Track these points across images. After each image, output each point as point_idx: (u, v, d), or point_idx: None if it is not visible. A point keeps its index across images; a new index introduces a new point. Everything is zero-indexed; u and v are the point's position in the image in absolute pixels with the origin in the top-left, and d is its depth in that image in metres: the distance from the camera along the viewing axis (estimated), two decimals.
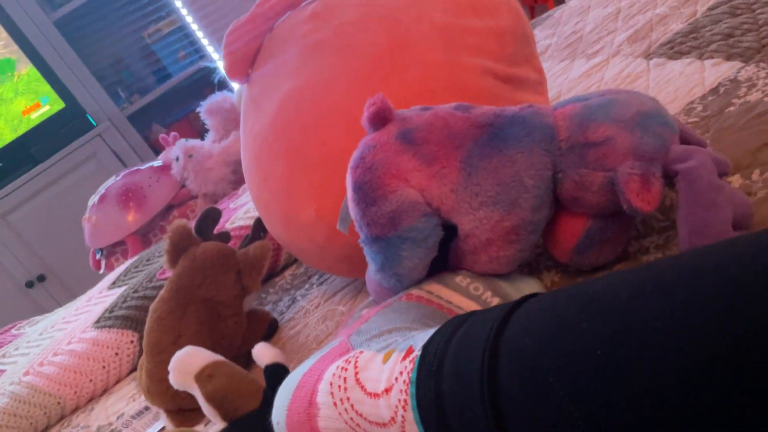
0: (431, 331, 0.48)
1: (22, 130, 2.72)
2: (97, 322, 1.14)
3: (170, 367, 0.71)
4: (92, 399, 1.13)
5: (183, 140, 1.66)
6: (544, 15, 1.67)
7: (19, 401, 1.09)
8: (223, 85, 2.39)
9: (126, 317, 1.12)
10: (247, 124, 0.90)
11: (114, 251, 1.68)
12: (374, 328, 0.56)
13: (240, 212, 1.19)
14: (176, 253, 0.91)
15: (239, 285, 0.90)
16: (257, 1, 0.92)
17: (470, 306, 0.62)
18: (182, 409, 0.82)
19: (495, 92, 0.78)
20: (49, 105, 2.74)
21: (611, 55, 1.12)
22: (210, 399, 0.67)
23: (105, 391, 1.13)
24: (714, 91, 0.80)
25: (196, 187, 1.63)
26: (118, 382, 1.13)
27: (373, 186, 0.60)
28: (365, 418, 0.47)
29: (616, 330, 0.34)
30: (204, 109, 1.72)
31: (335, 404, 0.49)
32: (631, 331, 0.33)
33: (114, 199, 1.65)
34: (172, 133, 1.78)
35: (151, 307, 0.89)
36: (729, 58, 0.85)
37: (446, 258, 0.65)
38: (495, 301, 0.62)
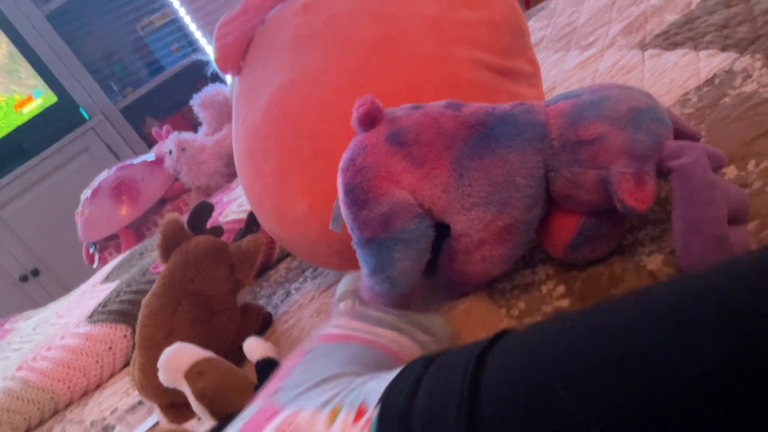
0: (381, 381, 0.41)
1: (14, 125, 2.70)
2: (91, 316, 1.14)
3: (159, 364, 0.71)
4: (86, 394, 1.12)
5: (176, 133, 1.64)
6: (539, 5, 1.66)
7: (13, 396, 1.09)
8: (216, 78, 2.37)
9: (119, 312, 1.12)
10: (239, 118, 0.89)
11: (107, 245, 1.67)
12: (302, 381, 0.48)
13: (233, 206, 1.18)
14: (168, 247, 0.90)
15: (232, 279, 0.89)
16: None
17: (396, 338, 0.58)
18: (175, 404, 0.82)
19: (488, 85, 0.77)
20: (42, 99, 2.72)
21: (606, 47, 1.12)
22: (200, 397, 0.66)
23: (98, 385, 1.12)
24: (709, 82, 0.80)
25: (190, 180, 1.62)
26: (111, 376, 1.13)
27: (364, 189, 0.60)
28: None
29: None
30: (197, 102, 1.71)
31: None
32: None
33: (107, 192, 1.64)
34: (165, 127, 1.77)
35: (143, 302, 0.88)
36: (724, 49, 0.84)
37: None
38: (418, 332, 0.60)
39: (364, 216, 0.60)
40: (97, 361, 1.09)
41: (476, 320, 0.66)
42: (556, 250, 0.62)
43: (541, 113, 0.59)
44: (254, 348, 0.75)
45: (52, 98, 2.70)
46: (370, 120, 0.62)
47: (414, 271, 0.62)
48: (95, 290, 1.27)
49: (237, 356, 0.84)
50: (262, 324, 0.94)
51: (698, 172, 0.51)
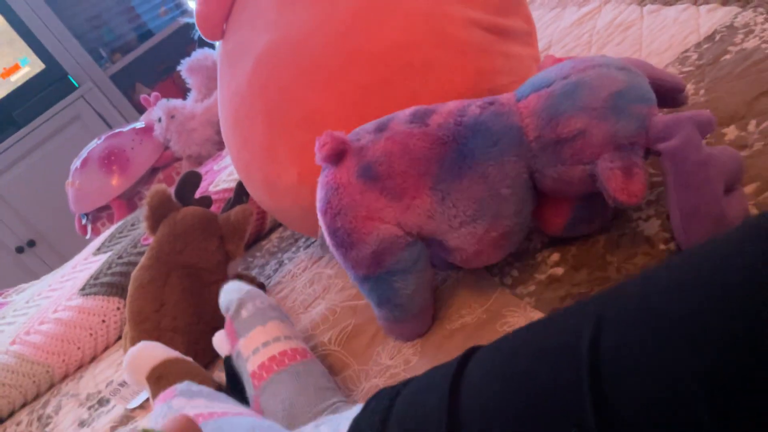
0: (337, 428, 0.38)
1: (1, 94, 2.65)
2: (83, 289, 1.13)
3: (123, 366, 0.69)
4: (81, 367, 1.12)
5: (164, 100, 1.61)
6: None
7: (8, 370, 1.08)
8: (204, 42, 2.32)
9: (111, 284, 1.11)
10: (223, 83, 0.87)
11: (99, 216, 1.65)
12: None
13: (223, 174, 1.16)
14: (156, 219, 0.88)
15: (222, 251, 0.88)
16: None
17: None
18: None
19: (482, 44, 0.74)
20: (29, 67, 2.66)
21: (603, 2, 1.08)
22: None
23: (93, 358, 1.12)
24: (709, 38, 0.77)
25: (180, 148, 1.59)
26: (106, 349, 1.12)
27: (347, 231, 0.58)
28: None
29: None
30: (185, 67, 1.67)
31: None
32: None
33: (96, 162, 1.61)
34: (154, 93, 1.73)
35: (133, 275, 0.87)
36: (725, 3, 0.81)
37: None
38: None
39: (353, 256, 0.58)
40: (91, 334, 1.09)
41: (469, 289, 0.65)
42: (552, 232, 0.61)
43: (513, 114, 0.55)
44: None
45: (40, 66, 2.65)
46: (337, 156, 0.59)
47: (421, 291, 0.61)
48: (87, 262, 1.25)
49: None
50: None
51: (690, 155, 0.49)
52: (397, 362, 0.62)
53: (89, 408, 0.97)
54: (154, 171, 1.66)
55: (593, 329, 0.30)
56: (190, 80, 1.69)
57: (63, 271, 1.35)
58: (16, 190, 2.66)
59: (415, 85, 0.71)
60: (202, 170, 1.39)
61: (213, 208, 0.96)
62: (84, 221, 1.69)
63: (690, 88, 0.70)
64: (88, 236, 1.69)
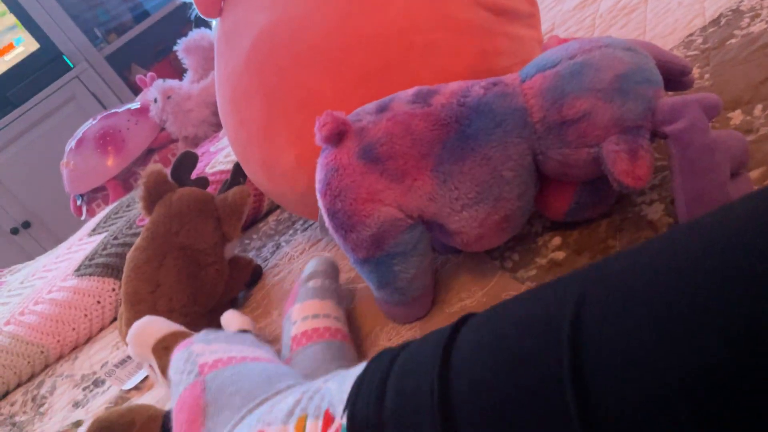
0: (342, 381, 0.40)
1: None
2: (78, 270, 1.12)
3: (128, 338, 0.69)
4: (76, 347, 1.11)
5: (160, 81, 1.59)
6: None
7: (2, 351, 1.08)
8: (200, 22, 2.29)
9: (106, 265, 1.10)
10: (221, 63, 0.85)
11: (95, 197, 1.64)
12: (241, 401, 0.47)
13: (220, 156, 1.15)
14: (151, 199, 0.87)
15: (219, 232, 0.87)
16: None
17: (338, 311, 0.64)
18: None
19: (484, 26, 0.73)
20: (23, 46, 2.63)
21: None
22: (166, 372, 0.64)
23: (88, 339, 1.11)
24: (715, 22, 0.76)
25: (176, 129, 1.58)
26: (101, 330, 1.11)
27: (347, 213, 0.57)
28: None
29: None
30: (181, 47, 1.65)
31: None
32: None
33: (92, 143, 1.59)
34: (149, 74, 1.71)
35: (128, 256, 0.86)
36: None
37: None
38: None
39: (353, 238, 0.58)
40: (86, 315, 1.08)
41: (470, 272, 0.64)
42: (554, 216, 0.60)
43: (517, 95, 0.54)
44: (232, 320, 0.73)
45: (35, 45, 2.62)
46: (337, 136, 0.58)
47: (421, 274, 0.60)
48: (82, 243, 1.24)
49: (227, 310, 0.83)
50: (252, 277, 0.92)
51: (696, 139, 0.48)
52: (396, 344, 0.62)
53: (84, 389, 0.97)
54: (149, 152, 1.65)
55: (575, 305, 0.30)
56: (186, 61, 1.66)
57: (58, 251, 1.34)
58: (10, 171, 2.64)
59: (416, 67, 0.70)
60: (198, 151, 1.38)
61: (210, 190, 0.95)
62: (79, 202, 1.67)
63: (695, 72, 0.69)
64: (83, 217, 1.67)
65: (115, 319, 1.11)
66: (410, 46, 0.70)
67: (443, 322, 0.60)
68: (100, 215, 1.32)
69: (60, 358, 1.11)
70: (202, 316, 0.82)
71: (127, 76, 2.80)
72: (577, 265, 0.56)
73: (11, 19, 2.58)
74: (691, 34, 0.77)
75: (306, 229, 0.99)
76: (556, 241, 0.61)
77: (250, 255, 1.02)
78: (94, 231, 1.26)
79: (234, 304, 0.91)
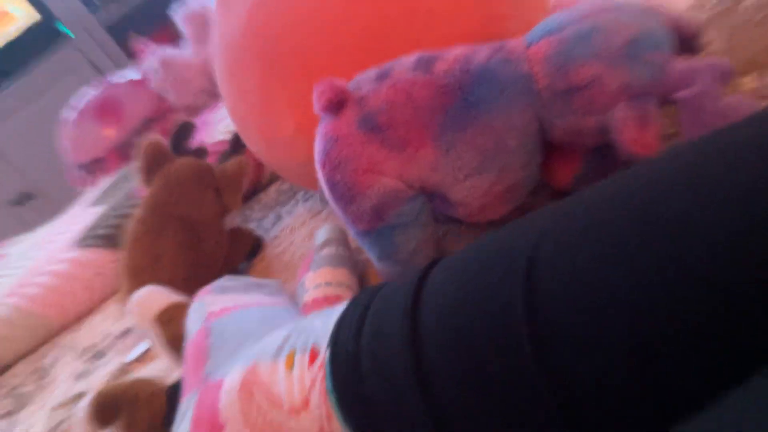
0: (327, 318, 0.43)
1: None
2: (78, 241, 1.11)
3: (129, 309, 0.69)
4: (78, 319, 1.11)
5: (159, 49, 1.56)
6: None
7: (5, 323, 1.07)
8: None
9: (107, 236, 1.09)
10: (218, 30, 0.83)
11: (95, 167, 1.62)
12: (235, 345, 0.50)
13: (220, 126, 1.13)
14: (150, 170, 0.86)
15: (219, 203, 0.86)
16: None
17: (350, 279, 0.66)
18: None
19: None
20: (22, 17, 2.59)
21: None
22: (170, 342, 0.64)
23: (90, 311, 1.11)
24: None
25: (175, 99, 1.55)
26: (103, 301, 1.11)
27: (347, 184, 0.55)
28: None
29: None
30: (179, 15, 1.62)
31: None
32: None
33: (91, 112, 1.57)
34: (148, 43, 1.68)
35: (128, 228, 0.85)
36: None
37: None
38: None
39: (353, 210, 0.56)
40: (87, 287, 1.08)
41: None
42: (559, 185, 0.58)
43: (522, 61, 0.52)
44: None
45: (35, 16, 2.58)
46: (336, 105, 0.56)
47: (422, 245, 0.58)
48: (84, 214, 1.24)
49: None
50: (253, 249, 0.91)
51: (707, 105, 0.46)
52: None
53: (86, 361, 0.97)
54: (149, 122, 1.62)
55: (534, 241, 0.34)
56: (185, 29, 1.63)
57: (57, 223, 1.33)
58: (11, 142, 2.63)
59: (418, 31, 0.67)
60: (197, 121, 1.36)
61: (210, 161, 0.93)
62: (79, 173, 1.66)
63: (707, 34, 0.67)
64: (83, 188, 1.66)
65: (117, 291, 1.11)
66: (412, 11, 0.68)
67: None
68: (101, 187, 1.31)
69: (62, 329, 1.11)
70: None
71: (126, 45, 2.76)
72: None
73: None
74: None
75: (307, 200, 0.97)
76: None
77: (251, 226, 1.01)
78: (95, 203, 1.26)
79: (234, 274, 0.90)
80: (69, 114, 1.63)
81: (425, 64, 0.56)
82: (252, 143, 0.82)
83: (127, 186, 1.19)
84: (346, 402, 0.38)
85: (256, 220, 1.04)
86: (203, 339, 0.53)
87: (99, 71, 2.63)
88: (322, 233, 0.72)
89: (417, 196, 0.56)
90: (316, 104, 0.57)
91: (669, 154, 0.34)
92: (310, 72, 0.70)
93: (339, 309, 0.44)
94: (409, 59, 0.57)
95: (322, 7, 0.70)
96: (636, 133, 0.47)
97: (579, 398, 0.30)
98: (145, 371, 0.83)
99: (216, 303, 0.58)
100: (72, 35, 2.60)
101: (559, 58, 0.51)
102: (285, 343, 0.43)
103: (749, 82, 0.57)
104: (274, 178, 1.13)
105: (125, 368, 0.87)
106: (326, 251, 0.68)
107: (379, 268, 0.62)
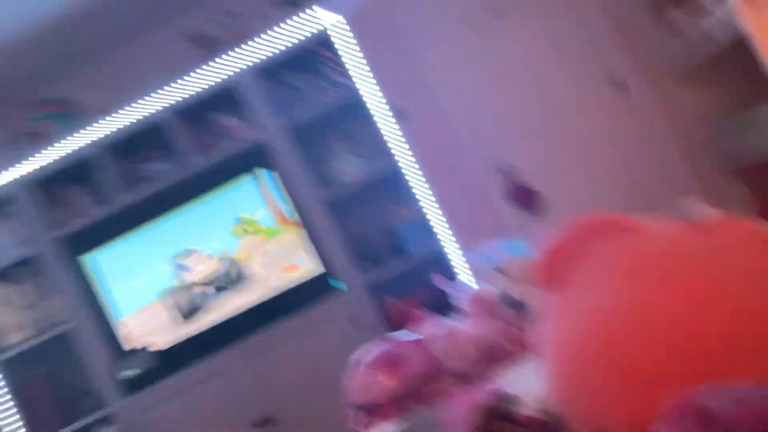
0: None
1: (285, 284, 3.16)
2: None
3: None
4: None
5: (446, 321, 1.86)
6: None
7: None
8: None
9: None
10: (551, 328, 1.05)
11: (372, 411, 1.86)
12: None
13: (525, 398, 1.30)
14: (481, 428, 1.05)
15: None
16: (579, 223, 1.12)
17: None
18: None
19: None
20: (305, 267, 3.18)
21: None
22: None
23: None
24: None
25: (453, 364, 1.80)
26: None
27: None
28: None
29: None
30: (470, 295, 1.95)
31: None
32: None
33: (377, 362, 1.87)
34: (423, 314, 2.01)
35: None
36: None
37: None
38: None
39: None
40: None
41: None
42: None
43: None
44: None
45: (318, 269, 3.15)
46: None
47: None
48: None
49: None
50: None
51: None
52: None
53: None
54: (425, 379, 1.87)
55: None
56: (468, 307, 1.95)
57: None
58: (269, 369, 3.05)
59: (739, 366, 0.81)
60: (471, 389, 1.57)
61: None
62: (356, 413, 1.91)
63: None
64: (359, 429, 1.90)
65: None
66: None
67: None
68: (390, 428, 1.52)
69: None
70: None
71: (381, 304, 3.22)
72: None
73: (304, 244, 3.17)
74: None
75: None
76: None
77: None
78: None
79: None
80: (364, 357, 1.95)
81: None
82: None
83: None
84: None
85: None
86: None
87: (356, 324, 3.04)
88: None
89: None
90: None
91: None
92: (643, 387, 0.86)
93: None
94: None
95: (661, 323, 0.88)
96: None
97: None
98: None
99: None
100: (345, 288, 3.10)
101: None
102: None
103: None
104: None
105: None
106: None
107: None
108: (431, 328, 1.88)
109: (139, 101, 3.23)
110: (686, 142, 3.45)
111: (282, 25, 3.18)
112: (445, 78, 3.61)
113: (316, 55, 3.30)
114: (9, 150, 3.26)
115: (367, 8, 3.41)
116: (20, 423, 3.16)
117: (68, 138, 3.25)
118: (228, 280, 3.17)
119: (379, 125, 3.26)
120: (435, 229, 3.18)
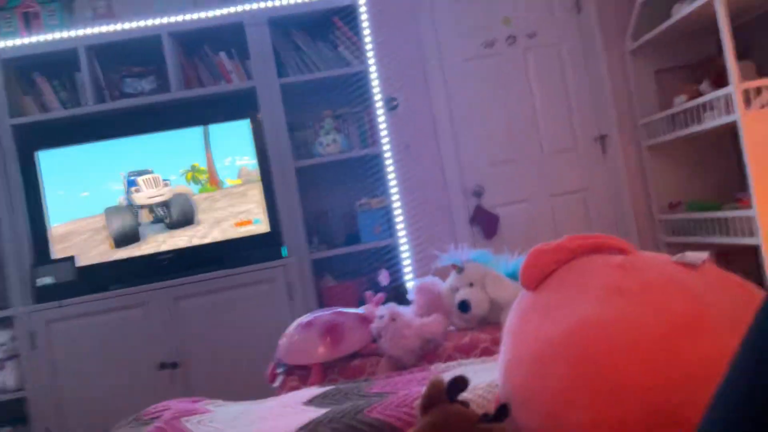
0: None
1: (228, 237, 3.11)
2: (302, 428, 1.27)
3: None
4: None
5: (392, 304, 1.86)
6: None
7: None
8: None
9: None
10: (527, 323, 1.06)
11: (294, 372, 1.83)
12: None
13: (482, 385, 1.30)
14: (428, 404, 1.04)
15: None
16: (567, 236, 1.14)
17: None
18: None
19: None
20: (258, 226, 3.13)
21: None
22: None
23: None
24: None
25: (387, 347, 1.80)
26: None
27: None
28: None
29: None
30: (416, 285, 1.95)
31: None
32: None
33: (318, 328, 1.85)
34: (379, 294, 2.00)
35: None
36: None
37: None
38: None
39: None
40: None
41: None
42: None
43: None
44: None
45: (266, 229, 3.11)
46: None
47: None
48: (298, 407, 1.41)
49: None
50: None
51: None
52: None
53: None
54: (353, 356, 1.86)
55: None
56: (414, 296, 1.95)
57: (267, 404, 1.51)
58: (191, 315, 2.96)
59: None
60: (407, 376, 1.57)
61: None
62: (279, 371, 1.88)
63: None
64: (275, 385, 1.86)
65: None
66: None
67: None
68: (315, 391, 1.50)
69: None
70: None
71: (318, 282, 3.18)
72: None
73: (262, 206, 3.12)
74: None
75: None
76: None
77: None
78: (309, 402, 1.44)
79: None
80: (301, 320, 1.92)
81: None
82: (528, 420, 0.99)
83: (349, 403, 1.37)
84: None
85: None
86: None
87: (289, 294, 3.00)
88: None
89: None
90: None
91: None
92: (616, 391, 0.88)
93: None
94: None
95: (647, 345, 0.90)
96: None
97: None
98: None
99: None
100: (285, 255, 3.06)
101: None
102: None
103: None
104: None
105: None
106: None
107: None
108: (378, 312, 1.87)
109: (139, 12, 3.11)
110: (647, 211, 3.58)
111: None
112: (443, 81, 3.64)
113: (330, 24, 3.27)
114: None
115: None
116: None
117: (57, 25, 3.10)
118: (172, 215, 3.08)
119: (368, 109, 3.25)
120: (395, 223, 3.18)
